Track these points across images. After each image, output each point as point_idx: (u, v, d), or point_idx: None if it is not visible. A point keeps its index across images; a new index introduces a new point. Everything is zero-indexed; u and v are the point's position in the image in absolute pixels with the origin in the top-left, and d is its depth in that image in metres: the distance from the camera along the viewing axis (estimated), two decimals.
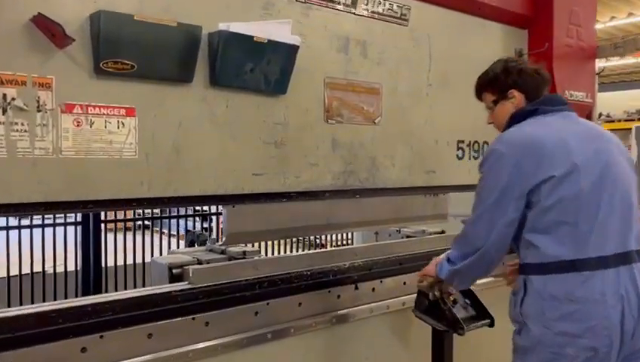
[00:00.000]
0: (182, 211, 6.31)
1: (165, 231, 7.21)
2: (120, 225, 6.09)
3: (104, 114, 1.70)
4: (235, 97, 2.00)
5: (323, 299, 2.29)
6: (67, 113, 1.63)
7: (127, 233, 5.38)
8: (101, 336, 1.69)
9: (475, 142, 2.96)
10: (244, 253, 2.42)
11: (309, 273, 2.25)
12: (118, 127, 1.73)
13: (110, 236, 4.89)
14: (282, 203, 2.19)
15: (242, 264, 2.14)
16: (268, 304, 2.10)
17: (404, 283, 2.61)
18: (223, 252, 2.45)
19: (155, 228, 6.08)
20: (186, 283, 2.00)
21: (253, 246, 2.85)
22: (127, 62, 1.67)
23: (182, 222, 6.73)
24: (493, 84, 2.07)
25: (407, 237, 2.96)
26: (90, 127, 1.67)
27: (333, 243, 6.43)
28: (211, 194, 1.97)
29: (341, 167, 2.37)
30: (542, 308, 1.76)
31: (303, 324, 2.20)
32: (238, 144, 2.03)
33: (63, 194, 1.64)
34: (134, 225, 5.61)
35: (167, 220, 6.45)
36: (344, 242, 5.99)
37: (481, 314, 2.22)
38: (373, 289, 2.48)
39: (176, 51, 1.77)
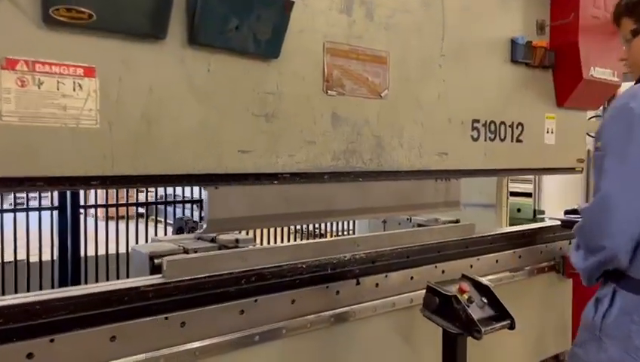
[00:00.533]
0: (179, 196, 6.04)
1: (161, 219, 6.93)
2: (112, 212, 5.80)
3: (56, 73, 1.41)
4: (219, 59, 1.71)
5: (320, 296, 2.01)
6: (9, 70, 1.34)
7: (121, 221, 5.11)
8: (51, 340, 1.41)
9: (492, 122, 2.66)
10: (237, 241, 2.15)
11: (303, 266, 1.97)
12: (74, 90, 1.44)
13: (94, 223, 4.60)
14: (274, 185, 1.90)
15: (226, 255, 1.85)
16: (256, 301, 1.82)
17: (412, 278, 2.33)
18: (212, 240, 2.17)
19: (151, 216, 5.81)
20: (160, 276, 1.72)
21: (247, 233, 2.56)
22: (84, 10, 1.38)
23: (180, 209, 6.45)
24: (636, 9, 1.71)
25: (419, 226, 2.67)
26: (39, 88, 1.39)
27: (334, 234, 6.15)
28: (189, 173, 1.68)
29: (342, 145, 2.08)
30: (629, 332, 1.48)
31: (296, 324, 1.92)
32: (222, 115, 1.74)
33: (4, 169, 1.36)
34: (127, 211, 5.32)
35: (161, 207, 6.17)
36: (348, 233, 5.70)
37: (500, 314, 1.94)
38: (377, 285, 2.20)
39: None
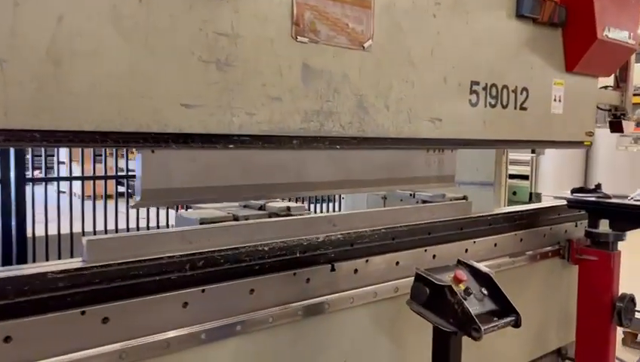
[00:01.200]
0: None
1: None
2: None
3: None
4: None
5: (286, 284, 1.67)
6: None
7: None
8: None
9: (493, 85, 2.31)
10: (289, 208, 1.90)
11: (265, 248, 1.63)
12: None
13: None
14: (228, 150, 1.55)
15: (164, 235, 1.51)
16: (203, 291, 1.49)
17: (397, 264, 1.99)
18: (262, 208, 1.97)
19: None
20: (80, 260, 1.38)
21: (298, 201, 2.25)
22: None
23: None
24: None
25: (423, 202, 2.32)
26: None
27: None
28: (114, 130, 1.33)
29: (315, 105, 1.72)
30: None
31: (255, 319, 1.58)
32: (159, 59, 1.39)
33: None
34: (105, 185, 4.93)
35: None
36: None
37: (503, 308, 1.61)
38: (356, 271, 1.86)
39: None
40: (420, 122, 2.04)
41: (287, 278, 1.67)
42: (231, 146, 1.55)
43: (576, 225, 2.88)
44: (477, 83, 2.24)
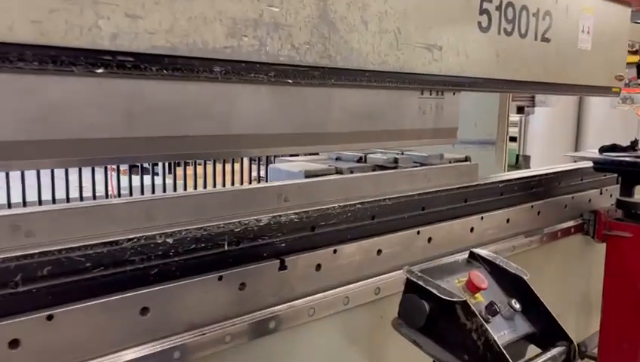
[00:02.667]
0: None
1: None
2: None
3: None
4: None
5: (205, 295, 1.06)
6: None
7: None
8: None
9: (509, 4, 1.68)
10: (396, 160, 1.53)
11: (168, 240, 1.01)
12: None
13: None
14: (93, 76, 0.91)
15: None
16: (50, 319, 0.87)
17: (379, 253, 1.40)
18: (361, 159, 1.61)
19: None
20: None
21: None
22: None
23: None
24: None
25: (422, 165, 1.66)
26: None
27: None
28: None
29: (251, 10, 1.08)
30: None
31: (153, 353, 0.98)
32: None
33: None
34: None
35: None
36: None
37: (546, 330, 1.03)
38: (319, 268, 1.26)
39: None
40: (412, 50, 1.41)
41: (208, 285, 1.06)
42: (100, 70, 0.91)
43: (600, 193, 2.31)
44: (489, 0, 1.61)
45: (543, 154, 8.46)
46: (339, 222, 1.32)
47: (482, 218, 1.71)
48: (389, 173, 1.50)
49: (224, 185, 6.29)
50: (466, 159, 1.85)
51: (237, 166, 6.52)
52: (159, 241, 1.01)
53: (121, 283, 0.97)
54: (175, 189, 6.07)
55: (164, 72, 0.98)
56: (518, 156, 9.35)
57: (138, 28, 0.93)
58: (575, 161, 2.33)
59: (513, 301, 0.99)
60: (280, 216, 1.20)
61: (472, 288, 0.98)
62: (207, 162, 6.23)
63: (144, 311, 0.98)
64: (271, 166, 1.54)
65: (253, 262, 1.14)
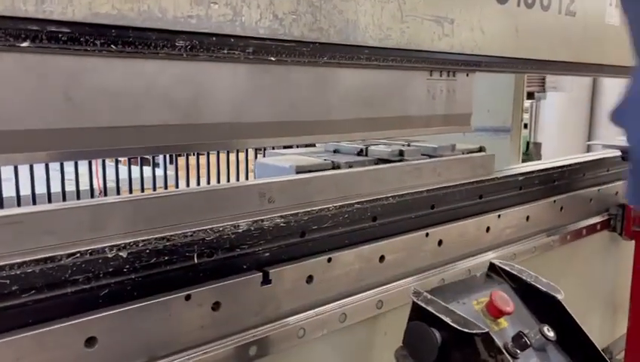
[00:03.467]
0: None
1: None
2: None
3: None
4: None
5: (165, 320, 0.88)
6: None
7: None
8: None
9: None
10: (401, 153, 1.37)
11: (122, 254, 0.83)
12: None
13: None
14: (17, 52, 0.73)
15: None
16: None
17: (382, 259, 1.21)
18: (361, 152, 1.42)
19: None
20: None
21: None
22: None
23: None
24: None
25: (430, 157, 1.44)
26: None
27: None
28: None
29: None
30: None
31: None
32: None
33: None
34: None
35: None
36: None
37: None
38: (310, 280, 1.07)
39: None
40: (420, 23, 1.21)
41: (172, 307, 0.88)
42: (24, 45, 0.72)
43: None
44: None
45: (554, 141, 8.21)
46: (334, 226, 1.13)
47: (499, 216, 1.51)
48: (393, 167, 1.31)
49: (228, 178, 6.10)
50: (481, 149, 1.65)
51: (242, 155, 6.32)
52: (110, 256, 0.82)
53: (60, 309, 0.79)
54: (177, 181, 5.89)
55: (112, 47, 0.79)
56: (528, 143, 9.09)
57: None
58: (600, 150, 2.12)
59: (546, 327, 0.80)
60: (263, 220, 1.01)
61: (495, 312, 0.79)
62: (211, 152, 6.04)
63: (90, 342, 0.79)
64: (257, 161, 1.34)
65: (229, 277, 0.95)
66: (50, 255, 0.77)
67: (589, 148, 3.41)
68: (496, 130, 2.56)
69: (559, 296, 0.85)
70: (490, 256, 1.46)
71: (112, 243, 0.83)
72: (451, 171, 1.43)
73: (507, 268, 0.90)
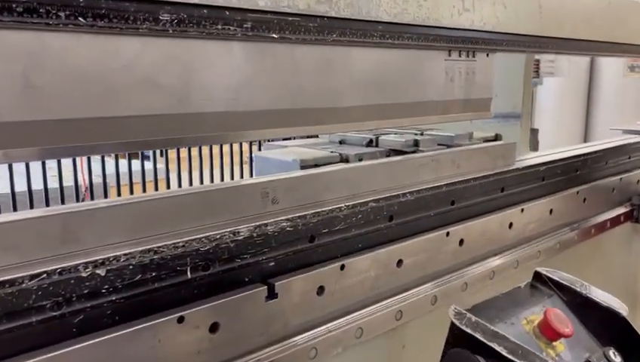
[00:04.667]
0: None
1: None
2: None
3: None
4: None
5: (154, 347, 0.73)
6: None
7: None
8: None
9: None
10: (417, 144, 1.24)
11: (84, 272, 0.68)
12: None
13: None
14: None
15: None
16: None
17: (400, 264, 1.07)
18: (371, 142, 1.26)
19: None
20: None
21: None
22: None
23: None
24: None
25: (448, 147, 1.28)
26: None
27: None
28: None
29: None
30: None
31: None
32: None
33: None
34: None
35: None
36: None
37: None
38: (321, 291, 0.93)
39: None
40: None
41: (163, 331, 0.74)
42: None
43: None
44: None
45: (552, 127, 8.09)
46: (347, 228, 0.99)
47: (522, 210, 1.38)
48: (408, 160, 1.16)
49: (222, 174, 5.90)
50: (496, 137, 1.51)
51: (236, 147, 6.12)
52: (84, 275, 0.68)
53: (23, 343, 0.64)
54: (167, 175, 5.71)
55: (80, 20, 0.64)
56: None
57: None
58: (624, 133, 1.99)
59: (612, 351, 0.67)
60: (267, 224, 0.87)
61: (551, 334, 0.66)
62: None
63: None
64: (256, 154, 1.20)
65: (228, 292, 0.81)
66: (9, 277, 0.63)
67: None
68: (506, 116, 2.43)
69: (623, 312, 0.72)
70: (514, 255, 1.33)
71: (88, 260, 0.69)
72: (471, 162, 1.29)
73: (555, 278, 0.77)
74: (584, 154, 1.65)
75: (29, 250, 0.66)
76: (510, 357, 0.59)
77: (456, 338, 0.65)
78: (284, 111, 0.92)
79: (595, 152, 1.71)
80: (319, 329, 0.92)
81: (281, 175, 0.94)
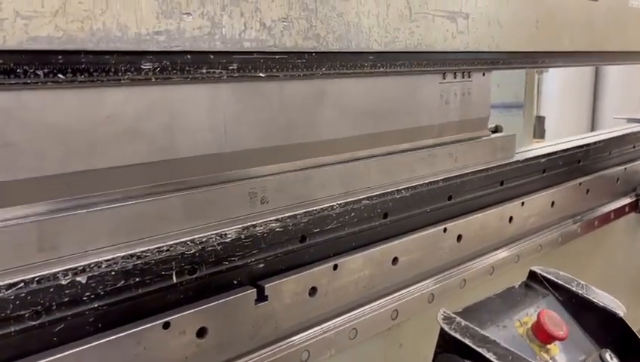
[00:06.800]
0: None
1: None
2: None
3: None
4: None
5: (139, 354, 0.72)
6: None
7: None
8: None
9: None
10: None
11: (64, 280, 0.67)
12: None
13: None
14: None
15: None
16: None
17: (395, 262, 1.05)
18: None
19: None
20: None
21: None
22: None
23: None
24: None
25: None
26: None
27: None
28: None
29: None
30: None
31: None
32: None
33: None
34: None
35: None
36: None
37: None
38: (313, 292, 0.91)
39: None
40: (431, 20, 1.04)
41: (148, 338, 0.72)
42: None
43: None
44: None
45: (558, 114, 8.00)
46: (339, 226, 0.97)
47: (523, 203, 1.35)
48: (403, 154, 1.14)
49: None
50: (497, 129, 1.48)
51: None
52: (64, 282, 0.67)
53: (2, 352, 0.63)
54: None
55: (59, 76, 0.63)
56: None
57: (2, 10, 0.58)
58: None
59: (607, 353, 0.64)
60: (255, 225, 0.85)
61: (544, 337, 0.64)
62: None
63: None
64: None
65: (216, 296, 0.80)
66: None
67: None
68: (508, 106, 2.40)
69: (620, 313, 0.70)
70: (514, 250, 1.31)
71: (67, 267, 0.67)
72: (469, 156, 1.26)
73: (551, 277, 0.75)
74: (586, 145, 1.62)
75: (6, 258, 0.65)
76: (489, 357, 0.57)
77: (446, 343, 0.63)
78: (275, 148, 0.90)
79: (598, 142, 1.67)
80: (312, 330, 0.91)
81: (267, 173, 0.91)
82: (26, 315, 0.64)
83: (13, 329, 0.63)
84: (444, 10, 1.07)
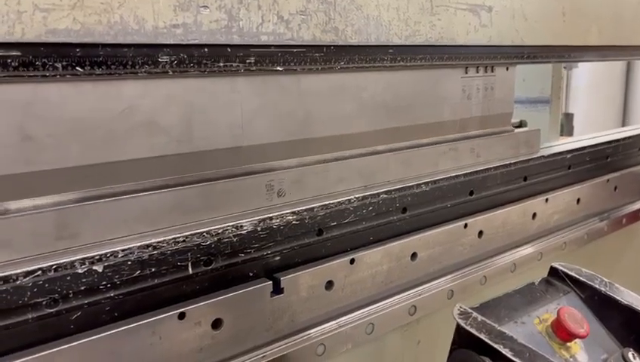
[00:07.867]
0: None
1: None
2: None
3: None
4: None
5: (154, 344, 0.72)
6: None
7: None
8: None
9: None
10: None
11: (81, 269, 0.67)
12: None
13: None
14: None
15: None
16: None
17: (414, 257, 1.04)
18: None
19: None
20: None
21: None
22: None
23: None
24: None
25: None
26: None
27: None
28: None
29: None
30: None
31: None
32: None
33: None
34: None
35: None
36: None
37: None
38: (330, 285, 0.91)
39: None
40: (453, 13, 1.02)
41: (163, 328, 0.72)
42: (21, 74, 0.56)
43: None
44: None
45: (587, 110, 7.84)
46: (357, 220, 0.96)
47: (547, 200, 1.32)
48: (424, 148, 1.12)
49: None
50: (521, 124, 1.45)
51: None
52: (80, 271, 0.67)
53: (19, 340, 0.64)
54: None
55: (78, 69, 0.63)
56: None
57: (21, 3, 0.59)
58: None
59: (630, 353, 0.62)
60: (272, 218, 0.85)
61: (564, 335, 0.62)
62: None
63: None
64: None
65: (232, 288, 0.80)
66: (4, 274, 0.62)
67: None
68: (533, 102, 2.34)
69: None
70: (537, 247, 1.28)
71: (84, 256, 0.68)
72: (492, 150, 1.24)
73: (573, 274, 0.73)
74: (615, 140, 1.58)
75: (24, 246, 0.66)
76: (516, 359, 0.55)
77: (462, 338, 0.62)
78: (294, 142, 0.90)
79: (628, 138, 1.63)
80: (328, 325, 0.90)
81: (284, 166, 0.91)
82: (44, 303, 0.65)
83: (30, 317, 0.64)
84: (467, 2, 1.05)
